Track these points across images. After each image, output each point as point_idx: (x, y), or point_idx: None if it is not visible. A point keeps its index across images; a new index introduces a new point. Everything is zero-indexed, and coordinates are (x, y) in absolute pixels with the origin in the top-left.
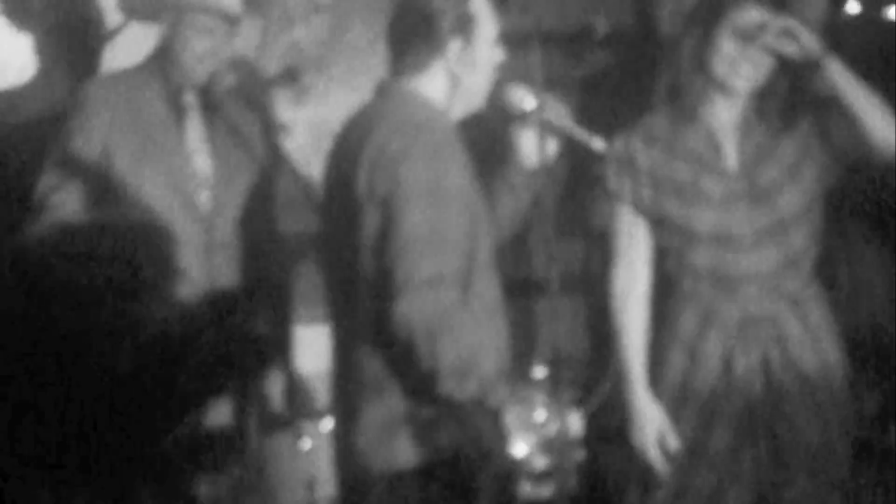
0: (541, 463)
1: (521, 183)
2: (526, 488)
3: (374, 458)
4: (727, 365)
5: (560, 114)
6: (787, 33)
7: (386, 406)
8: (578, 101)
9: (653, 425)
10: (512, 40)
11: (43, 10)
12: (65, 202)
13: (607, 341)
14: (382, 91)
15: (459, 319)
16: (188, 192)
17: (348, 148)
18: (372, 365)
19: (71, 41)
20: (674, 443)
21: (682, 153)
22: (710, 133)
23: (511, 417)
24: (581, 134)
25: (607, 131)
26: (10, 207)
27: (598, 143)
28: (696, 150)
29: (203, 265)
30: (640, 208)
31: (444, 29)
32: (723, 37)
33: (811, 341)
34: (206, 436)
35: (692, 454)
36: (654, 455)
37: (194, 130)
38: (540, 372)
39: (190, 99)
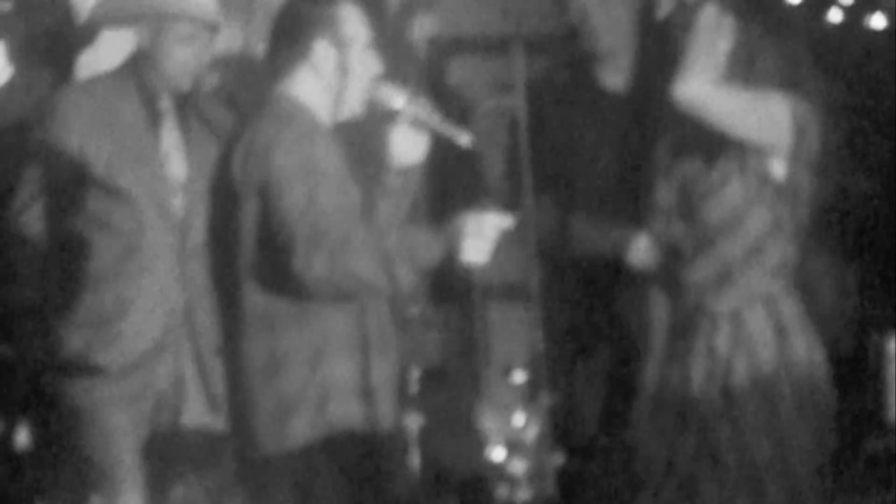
0: (519, 467)
1: (395, 184)
2: (504, 492)
3: (268, 440)
4: (667, 370)
5: (426, 109)
6: None
7: (277, 387)
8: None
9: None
10: (493, 44)
11: (17, 15)
12: (39, 219)
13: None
14: (261, 99)
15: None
16: (163, 197)
17: (227, 148)
18: (260, 348)
19: (46, 47)
20: None
21: (657, 162)
22: (674, 143)
23: (489, 421)
24: (447, 129)
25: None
26: None
27: (464, 139)
28: (662, 160)
29: (177, 271)
30: None
31: (307, 30)
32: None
33: (744, 355)
34: (188, 437)
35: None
36: None
37: (169, 135)
38: (518, 376)
39: (166, 104)
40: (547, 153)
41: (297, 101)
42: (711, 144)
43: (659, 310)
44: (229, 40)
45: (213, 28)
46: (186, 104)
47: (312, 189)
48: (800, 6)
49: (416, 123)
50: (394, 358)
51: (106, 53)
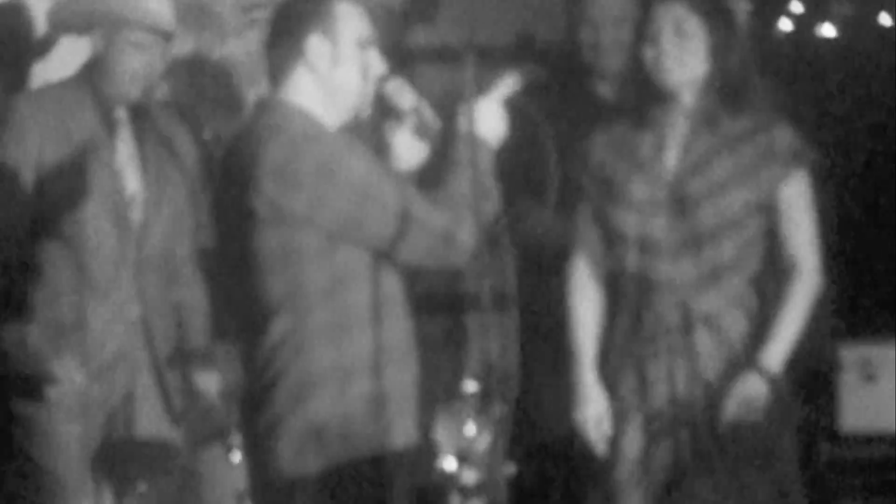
0: (470, 477)
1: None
2: (455, 502)
3: (290, 466)
4: (641, 371)
5: (433, 118)
6: None
7: (304, 414)
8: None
9: (594, 406)
10: (445, 54)
11: None
12: None
13: (538, 357)
14: (261, 106)
15: None
16: (120, 209)
17: (239, 166)
18: (289, 377)
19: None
20: (608, 428)
21: (629, 155)
22: (659, 139)
23: (441, 432)
24: (448, 143)
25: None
26: None
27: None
28: (641, 154)
29: (133, 283)
30: (591, 203)
31: (301, 27)
32: (647, 36)
33: (724, 359)
34: (141, 447)
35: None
36: (592, 436)
37: (125, 145)
38: (470, 386)
39: (121, 114)
40: (536, 159)
41: (301, 109)
42: (712, 146)
43: (594, 271)
44: (181, 48)
45: (167, 36)
46: (140, 115)
47: (359, 210)
48: (750, 15)
49: (420, 130)
50: (414, 372)
51: (59, 62)
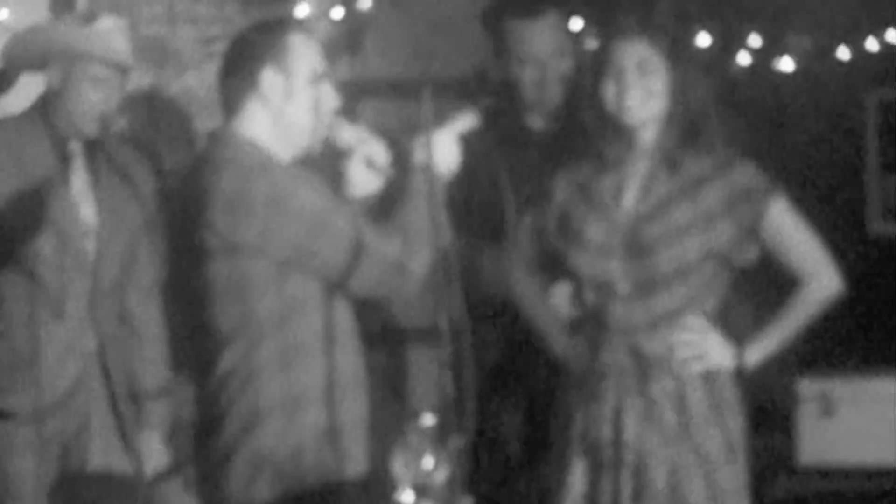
0: None
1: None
2: None
3: (240, 495)
4: (592, 408)
5: (379, 153)
6: None
7: (253, 444)
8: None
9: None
10: (402, 87)
11: None
12: None
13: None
14: (214, 138)
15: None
16: (75, 240)
17: (191, 198)
18: (239, 406)
19: None
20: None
21: (588, 197)
22: (619, 180)
23: (399, 464)
24: (397, 177)
25: (500, 178)
26: None
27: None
28: (599, 197)
29: (88, 314)
30: (544, 241)
31: (255, 61)
32: (609, 74)
33: (672, 402)
34: (97, 481)
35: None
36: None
37: (79, 177)
38: (428, 419)
39: (75, 146)
40: (474, 191)
41: (253, 142)
42: (671, 191)
43: (580, 349)
44: (140, 81)
45: (124, 71)
46: (96, 147)
47: (315, 241)
48: (709, 49)
49: (370, 164)
50: (365, 401)
51: (15, 95)
